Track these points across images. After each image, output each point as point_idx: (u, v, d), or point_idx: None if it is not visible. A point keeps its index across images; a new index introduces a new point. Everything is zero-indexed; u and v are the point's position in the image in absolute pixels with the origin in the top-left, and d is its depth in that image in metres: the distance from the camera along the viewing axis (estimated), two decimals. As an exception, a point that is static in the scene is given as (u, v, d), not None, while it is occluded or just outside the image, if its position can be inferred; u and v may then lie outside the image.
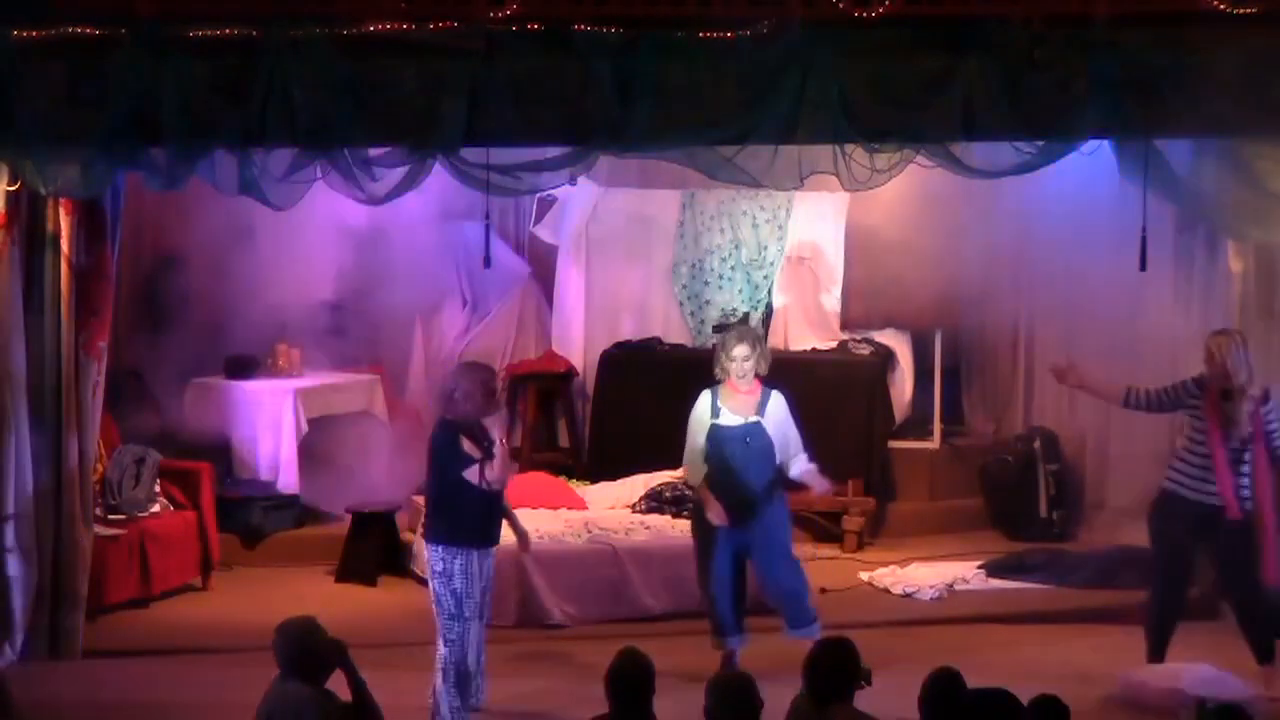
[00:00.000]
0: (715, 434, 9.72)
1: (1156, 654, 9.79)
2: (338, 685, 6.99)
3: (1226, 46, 9.34)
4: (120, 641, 10.54)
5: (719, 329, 13.31)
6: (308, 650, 6.86)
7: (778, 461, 9.81)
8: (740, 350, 9.73)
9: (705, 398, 9.81)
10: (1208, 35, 9.33)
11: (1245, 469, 9.55)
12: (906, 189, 11.39)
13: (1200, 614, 11.12)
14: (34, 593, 10.07)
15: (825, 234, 13.26)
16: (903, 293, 13.04)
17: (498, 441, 9.01)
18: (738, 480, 9.68)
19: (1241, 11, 9.24)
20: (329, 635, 6.99)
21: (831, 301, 13.30)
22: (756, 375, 9.78)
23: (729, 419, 9.73)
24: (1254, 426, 9.50)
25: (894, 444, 13.16)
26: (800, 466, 9.90)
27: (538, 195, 12.56)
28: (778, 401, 9.82)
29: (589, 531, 11.45)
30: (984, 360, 14.00)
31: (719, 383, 9.83)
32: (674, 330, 13.52)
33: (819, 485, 10.00)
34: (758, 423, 9.74)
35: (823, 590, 11.00)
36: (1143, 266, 9.61)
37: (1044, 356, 13.42)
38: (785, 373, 10.46)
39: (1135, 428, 11.63)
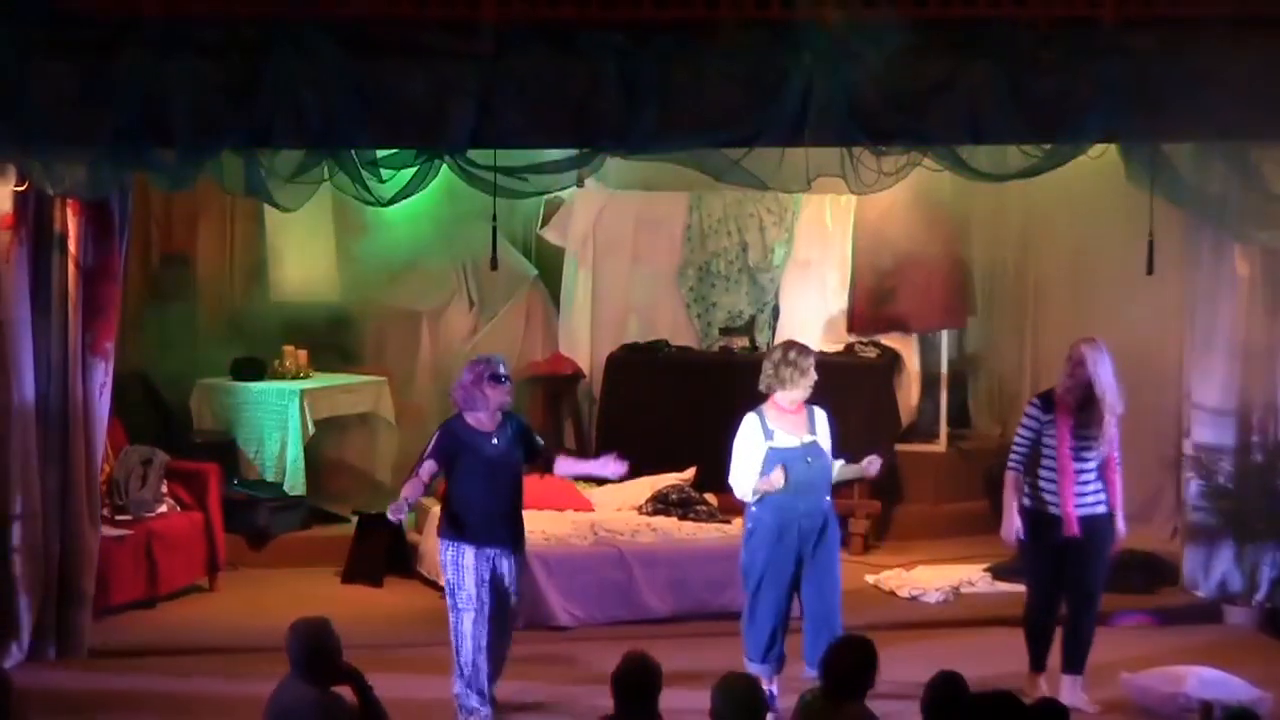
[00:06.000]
0: (774, 457, 9.22)
1: (1039, 665, 9.60)
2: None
3: (1232, 50, 9.35)
4: (126, 642, 10.54)
5: (726, 331, 13.35)
6: (319, 651, 6.85)
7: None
8: (811, 363, 9.28)
9: (753, 421, 9.28)
10: (1213, 39, 9.34)
11: (1090, 480, 9.35)
12: (913, 192, 11.40)
13: (1201, 616, 11.14)
14: (40, 593, 10.08)
15: (832, 237, 13.29)
16: (909, 296, 13.04)
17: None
18: (801, 500, 9.26)
19: (1247, 16, 9.26)
20: (340, 649, 6.95)
21: (838, 304, 13.31)
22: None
23: (785, 440, 9.25)
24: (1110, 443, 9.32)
25: (900, 447, 13.13)
26: (839, 470, 9.51)
27: (545, 197, 12.56)
28: (823, 418, 9.43)
29: (595, 534, 11.44)
30: (990, 363, 13.99)
31: (760, 404, 9.34)
32: (681, 333, 13.53)
33: (871, 468, 9.60)
34: (814, 442, 9.33)
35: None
36: (1150, 270, 9.62)
37: (1050, 360, 13.41)
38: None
39: (1137, 431, 11.58)
